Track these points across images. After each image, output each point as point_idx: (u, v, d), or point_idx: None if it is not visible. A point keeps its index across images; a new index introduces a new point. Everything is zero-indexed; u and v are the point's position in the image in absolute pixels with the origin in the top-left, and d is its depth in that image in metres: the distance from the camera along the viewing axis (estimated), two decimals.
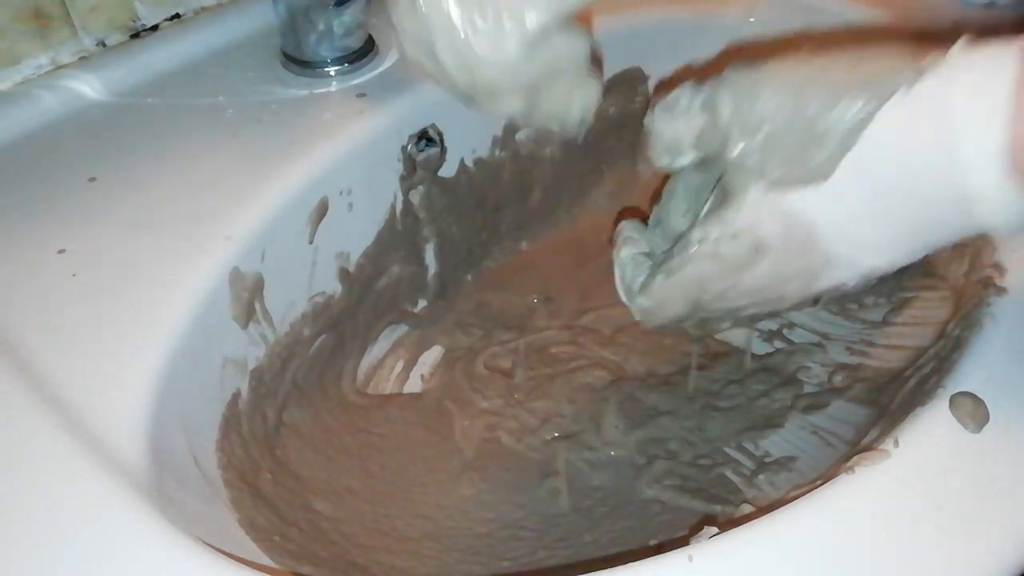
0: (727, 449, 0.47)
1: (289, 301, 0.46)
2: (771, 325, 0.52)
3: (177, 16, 0.53)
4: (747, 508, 0.40)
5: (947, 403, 0.33)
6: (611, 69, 0.59)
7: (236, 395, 0.42)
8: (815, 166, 0.29)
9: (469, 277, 0.60)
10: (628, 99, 0.61)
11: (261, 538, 0.36)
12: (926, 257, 0.45)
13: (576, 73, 0.39)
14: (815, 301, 0.40)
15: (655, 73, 0.61)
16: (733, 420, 0.48)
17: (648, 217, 0.41)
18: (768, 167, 0.31)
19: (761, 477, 0.44)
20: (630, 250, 0.39)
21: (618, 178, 0.64)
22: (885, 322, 0.46)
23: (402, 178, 0.52)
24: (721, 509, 0.43)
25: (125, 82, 0.49)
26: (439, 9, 0.35)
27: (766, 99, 0.31)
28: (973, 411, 0.33)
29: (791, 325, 0.51)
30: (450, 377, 0.53)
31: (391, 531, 0.43)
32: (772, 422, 0.47)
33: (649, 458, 0.47)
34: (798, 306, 0.36)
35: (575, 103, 0.40)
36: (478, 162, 0.56)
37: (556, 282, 0.59)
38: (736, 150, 0.32)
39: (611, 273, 0.40)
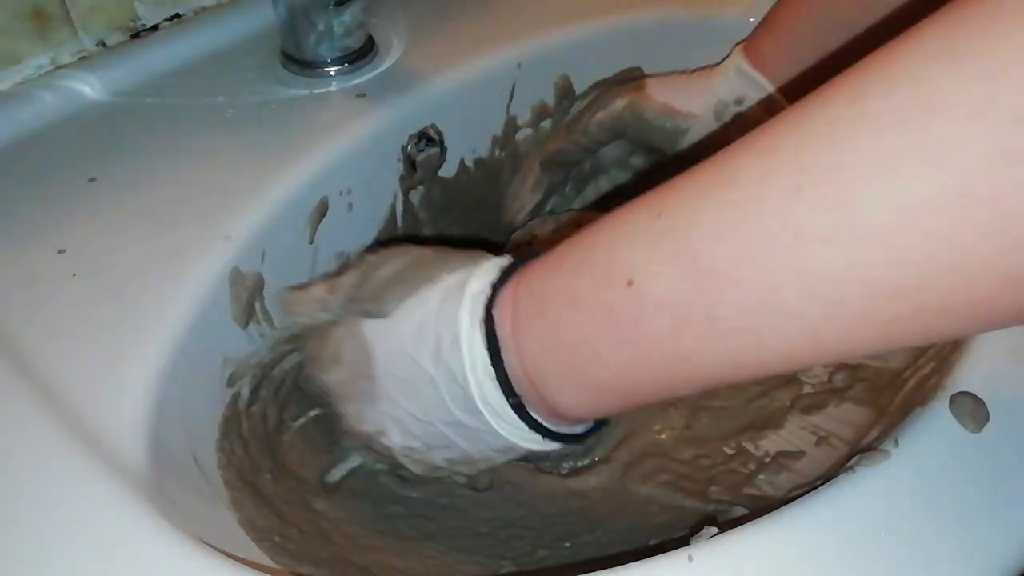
0: (726, 449, 0.47)
1: None
2: None
3: (177, 16, 0.53)
4: (740, 510, 0.40)
5: (947, 403, 0.33)
6: (611, 69, 0.59)
7: (236, 395, 0.42)
8: (381, 304, 0.36)
9: None
10: None
11: (261, 538, 0.36)
12: None
13: None
14: None
15: (655, 73, 0.61)
16: (723, 420, 0.48)
17: None
18: (358, 303, 0.37)
19: (761, 477, 0.44)
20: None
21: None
22: None
23: (402, 178, 0.52)
24: (714, 508, 0.43)
25: (125, 82, 0.49)
26: None
27: (385, 259, 0.38)
28: (973, 411, 0.33)
29: None
30: None
31: (391, 531, 0.43)
32: (772, 422, 0.47)
33: (640, 456, 0.47)
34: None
35: None
36: (478, 162, 0.56)
37: None
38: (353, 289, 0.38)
39: None
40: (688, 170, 0.27)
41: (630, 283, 0.27)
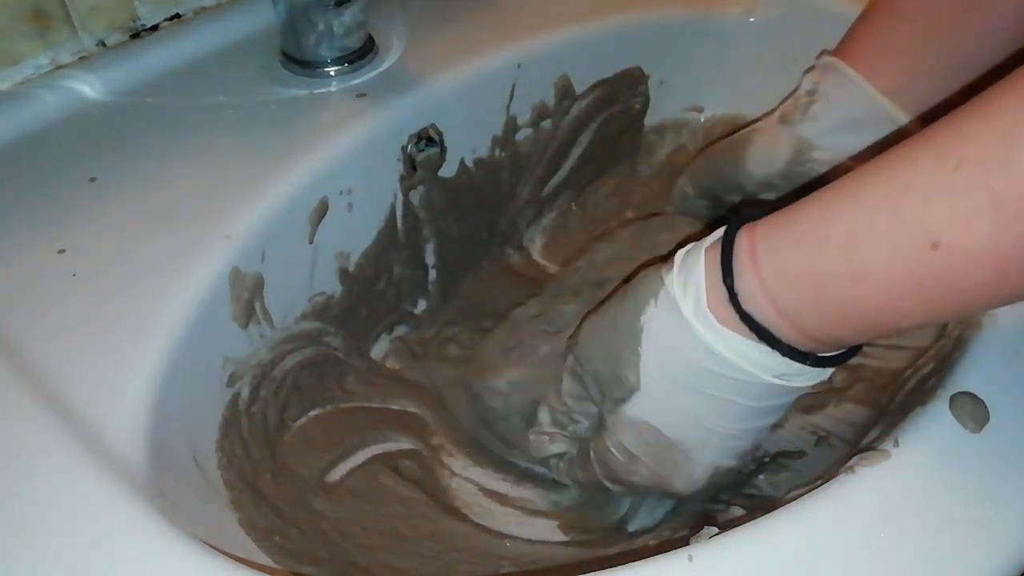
0: None
1: (289, 301, 0.46)
2: None
3: (177, 16, 0.53)
4: (737, 511, 0.40)
5: (947, 403, 0.33)
6: (611, 69, 0.59)
7: (236, 395, 0.42)
8: (624, 381, 0.36)
9: (469, 277, 0.60)
10: (628, 99, 0.61)
11: (261, 538, 0.36)
12: None
13: None
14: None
15: (655, 73, 0.61)
16: None
17: None
18: (603, 395, 0.37)
19: (761, 477, 0.44)
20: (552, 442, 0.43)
21: (618, 178, 0.64)
22: None
23: (402, 178, 0.52)
24: (714, 508, 0.43)
25: (125, 82, 0.49)
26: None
27: (583, 348, 0.38)
28: (973, 411, 0.33)
29: None
30: (450, 373, 0.53)
31: (391, 531, 0.43)
32: None
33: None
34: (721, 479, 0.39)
35: None
36: (478, 162, 0.56)
37: None
38: (587, 393, 0.39)
39: None
40: (960, 115, 0.26)
41: (935, 245, 0.25)
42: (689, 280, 0.33)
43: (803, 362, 0.32)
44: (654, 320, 0.34)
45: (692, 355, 0.33)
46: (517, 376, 0.46)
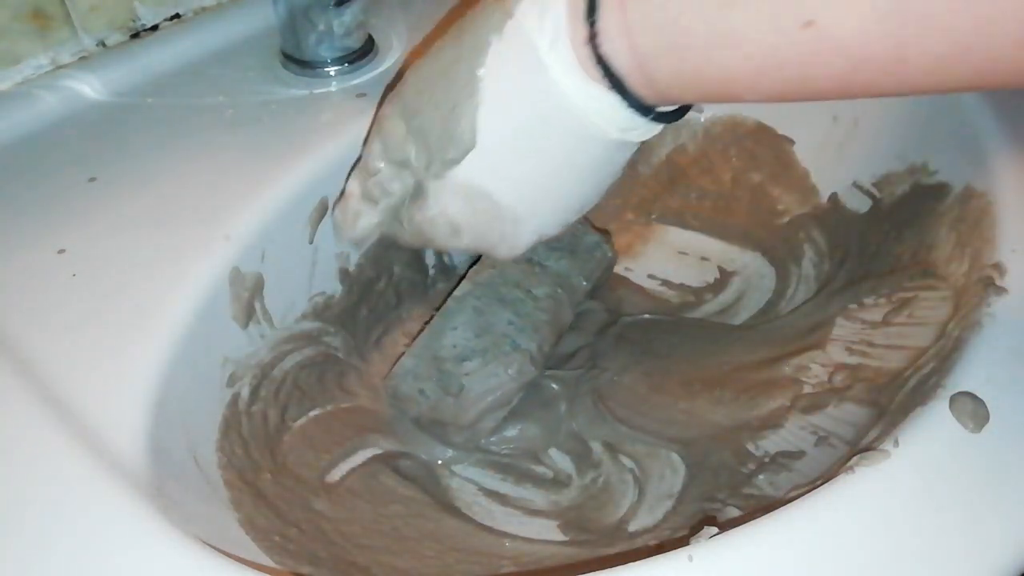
0: (725, 448, 0.47)
1: (289, 301, 0.46)
2: None
3: (177, 16, 0.53)
4: (734, 512, 0.40)
5: (947, 403, 0.33)
6: None
7: (236, 395, 0.42)
8: (459, 137, 0.32)
9: None
10: None
11: (261, 538, 0.36)
12: (926, 257, 0.46)
13: None
14: None
15: None
16: (722, 419, 0.48)
17: None
18: (430, 155, 0.34)
19: (761, 477, 0.44)
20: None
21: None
22: (885, 322, 0.46)
23: None
24: (714, 508, 0.43)
25: (125, 82, 0.49)
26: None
27: (408, 100, 0.35)
28: (973, 411, 0.33)
29: None
30: None
31: (391, 531, 0.43)
32: (772, 422, 0.47)
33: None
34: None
35: None
36: None
37: None
38: (405, 152, 0.35)
39: None
40: None
41: (809, 24, 0.25)
42: (547, 12, 0.30)
43: (645, 116, 0.31)
44: (499, 59, 0.31)
45: (539, 99, 0.31)
46: (413, 349, 0.47)
